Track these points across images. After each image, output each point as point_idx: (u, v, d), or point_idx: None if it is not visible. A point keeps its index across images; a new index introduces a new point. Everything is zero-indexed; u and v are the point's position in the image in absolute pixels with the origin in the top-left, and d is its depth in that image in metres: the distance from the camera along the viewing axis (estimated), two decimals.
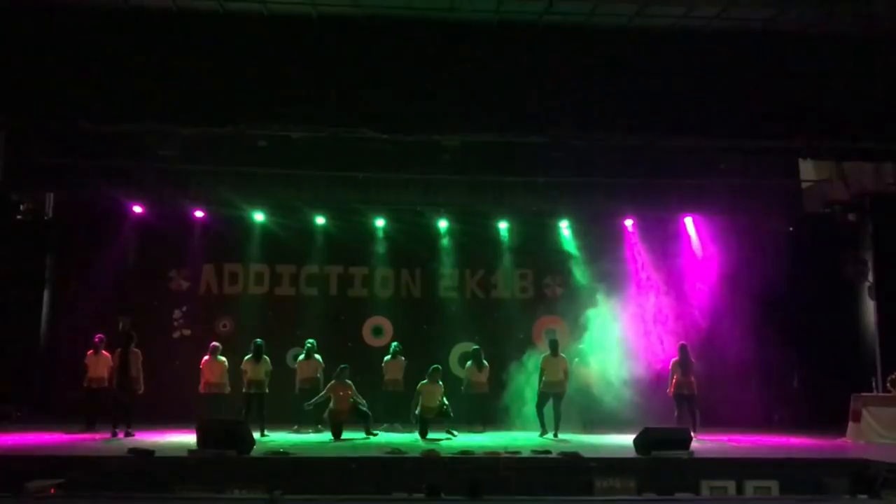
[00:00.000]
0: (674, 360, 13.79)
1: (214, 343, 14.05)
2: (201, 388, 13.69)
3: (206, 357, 13.82)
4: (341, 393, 13.03)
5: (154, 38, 11.77)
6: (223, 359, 13.86)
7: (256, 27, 11.74)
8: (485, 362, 14.45)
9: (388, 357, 14.61)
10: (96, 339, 13.77)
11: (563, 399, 13.64)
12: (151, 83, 11.90)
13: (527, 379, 14.43)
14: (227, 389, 13.73)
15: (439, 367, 13.65)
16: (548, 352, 13.89)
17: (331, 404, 13.07)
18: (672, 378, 13.65)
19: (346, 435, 12.96)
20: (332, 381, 13.26)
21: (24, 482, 8.98)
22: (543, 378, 13.67)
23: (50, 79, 11.90)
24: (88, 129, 12.32)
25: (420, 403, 13.21)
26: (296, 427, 13.77)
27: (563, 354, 13.93)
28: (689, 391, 13.49)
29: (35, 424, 13.65)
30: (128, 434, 12.75)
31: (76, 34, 11.68)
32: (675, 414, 13.47)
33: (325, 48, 11.93)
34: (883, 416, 13.19)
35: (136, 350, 13.34)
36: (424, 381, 13.35)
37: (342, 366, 13.37)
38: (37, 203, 15.30)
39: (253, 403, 13.42)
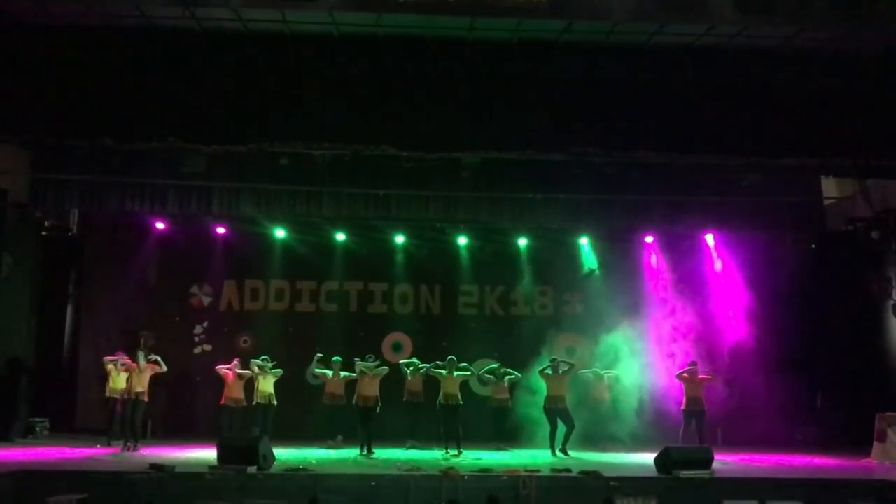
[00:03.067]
0: (684, 376, 13.65)
1: (236, 359, 14.07)
2: (222, 401, 13.73)
3: (228, 372, 13.85)
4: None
5: (178, 57, 11.93)
6: (241, 373, 13.86)
7: (279, 46, 11.87)
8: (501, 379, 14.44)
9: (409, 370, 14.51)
10: (117, 355, 13.87)
11: (568, 414, 13.54)
12: (175, 101, 12.05)
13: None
14: (244, 403, 13.76)
15: (454, 357, 13.86)
16: (550, 371, 13.80)
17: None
18: (684, 395, 13.56)
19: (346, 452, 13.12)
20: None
21: (47, 496, 9.08)
22: (546, 394, 13.60)
23: (74, 97, 12.08)
24: (112, 147, 12.47)
25: (442, 392, 13.56)
26: (340, 438, 13.87)
27: (563, 370, 13.82)
28: (699, 408, 13.40)
29: (58, 439, 13.78)
30: (127, 447, 12.76)
31: (100, 54, 11.86)
32: (682, 429, 13.32)
33: (346, 67, 12.03)
34: None
35: (147, 364, 13.50)
36: (444, 372, 13.68)
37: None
38: (61, 220, 15.43)
39: (261, 415, 13.51)
